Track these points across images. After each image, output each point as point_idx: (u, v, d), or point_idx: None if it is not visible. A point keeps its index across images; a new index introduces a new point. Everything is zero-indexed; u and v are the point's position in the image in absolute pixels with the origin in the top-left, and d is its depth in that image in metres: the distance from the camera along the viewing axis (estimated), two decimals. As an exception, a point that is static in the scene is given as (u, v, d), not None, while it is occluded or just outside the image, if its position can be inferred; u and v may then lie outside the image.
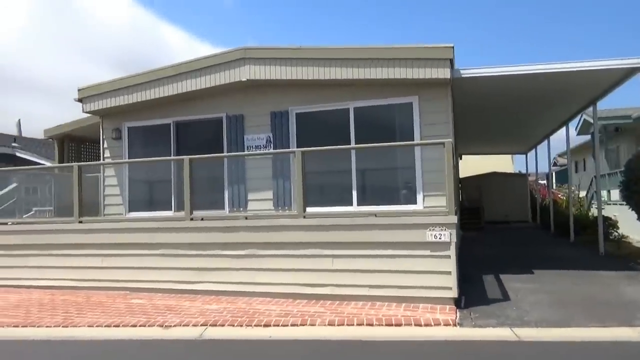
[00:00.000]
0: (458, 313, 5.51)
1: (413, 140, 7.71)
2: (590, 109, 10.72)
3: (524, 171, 21.67)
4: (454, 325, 5.13)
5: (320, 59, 7.86)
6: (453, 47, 7.22)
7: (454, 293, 5.65)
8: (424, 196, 7.62)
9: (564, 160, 24.84)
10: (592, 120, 15.31)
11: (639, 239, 11.21)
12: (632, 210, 9.66)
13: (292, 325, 5.29)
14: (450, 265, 5.66)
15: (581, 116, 15.84)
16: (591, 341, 4.65)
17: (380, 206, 7.66)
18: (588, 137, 19.05)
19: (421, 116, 7.75)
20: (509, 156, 24.81)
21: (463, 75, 7.64)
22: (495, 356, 4.49)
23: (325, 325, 5.23)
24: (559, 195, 20.54)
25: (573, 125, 16.62)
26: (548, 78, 7.90)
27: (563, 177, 24.24)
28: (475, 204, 18.47)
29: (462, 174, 22.72)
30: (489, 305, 5.81)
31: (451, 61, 7.29)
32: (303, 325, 5.28)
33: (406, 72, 7.48)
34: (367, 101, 8.06)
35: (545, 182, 22.87)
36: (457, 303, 5.74)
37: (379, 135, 7.66)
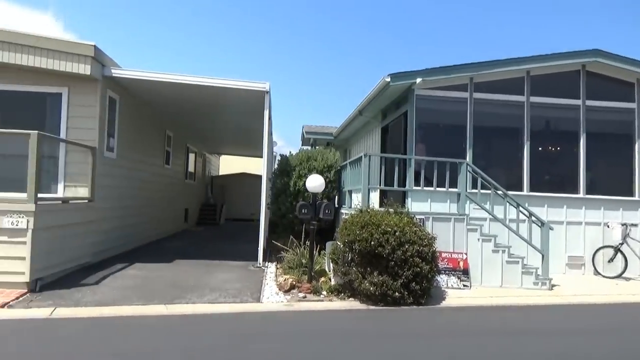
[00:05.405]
0: (27, 296, 5.79)
1: (60, 130, 7.84)
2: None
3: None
4: (3, 307, 5.38)
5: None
6: (95, 45, 7.57)
7: (27, 277, 5.91)
8: (64, 186, 7.79)
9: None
10: (307, 135, 17.71)
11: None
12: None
13: None
14: (26, 251, 5.91)
15: (302, 129, 18.14)
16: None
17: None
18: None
19: (70, 108, 7.91)
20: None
21: (114, 75, 8.09)
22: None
23: None
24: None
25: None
26: (203, 89, 8.89)
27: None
28: (218, 201, 19.54)
29: (225, 172, 23.75)
30: (70, 289, 6.24)
31: (94, 58, 7.62)
32: None
33: (53, 64, 7.56)
34: (12, 85, 7.85)
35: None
36: (33, 287, 6.03)
37: (26, 123, 7.56)
